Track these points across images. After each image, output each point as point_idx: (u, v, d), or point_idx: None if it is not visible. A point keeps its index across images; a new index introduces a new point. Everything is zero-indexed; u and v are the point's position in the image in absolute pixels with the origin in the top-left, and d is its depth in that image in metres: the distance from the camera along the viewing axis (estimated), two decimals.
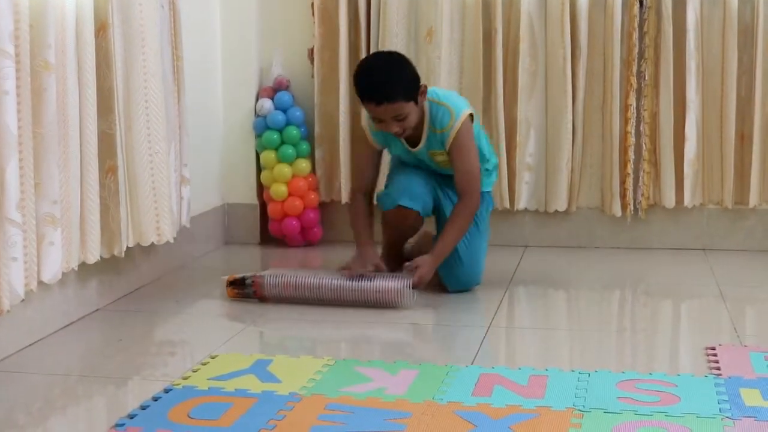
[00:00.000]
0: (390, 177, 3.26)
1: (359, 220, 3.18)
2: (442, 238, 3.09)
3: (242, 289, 3.10)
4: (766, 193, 3.83)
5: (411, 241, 3.37)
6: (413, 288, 2.98)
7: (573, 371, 2.39)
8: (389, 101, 2.95)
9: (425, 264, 3.04)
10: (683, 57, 3.77)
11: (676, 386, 2.28)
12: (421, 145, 3.11)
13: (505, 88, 3.86)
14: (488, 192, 3.24)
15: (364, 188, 3.22)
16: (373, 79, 2.99)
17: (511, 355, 2.73)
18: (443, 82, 3.83)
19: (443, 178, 3.19)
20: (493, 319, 2.93)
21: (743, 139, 3.82)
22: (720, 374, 2.37)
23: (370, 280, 3.00)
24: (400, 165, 3.23)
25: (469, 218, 3.11)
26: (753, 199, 3.81)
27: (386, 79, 2.97)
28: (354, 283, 3.00)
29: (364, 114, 3.13)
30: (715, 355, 2.52)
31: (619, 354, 2.70)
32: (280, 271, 3.12)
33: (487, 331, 2.80)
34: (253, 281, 3.09)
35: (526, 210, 3.95)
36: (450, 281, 3.18)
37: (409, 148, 3.13)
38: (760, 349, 2.57)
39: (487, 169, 3.21)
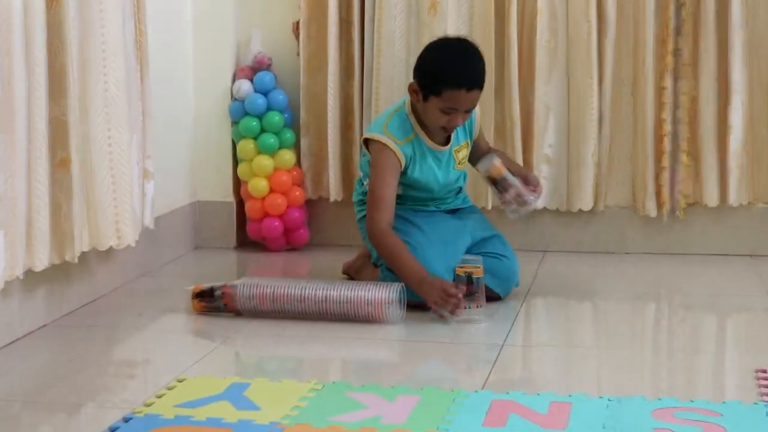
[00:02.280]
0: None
1: (409, 257, 3.08)
2: (512, 162, 3.46)
3: (211, 302, 3.09)
4: None
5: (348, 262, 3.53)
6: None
7: (601, 397, 2.39)
8: (480, 87, 3.13)
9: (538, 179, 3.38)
10: (726, 32, 3.76)
11: (722, 415, 2.27)
12: (452, 140, 3.23)
13: (520, 68, 3.86)
14: None
15: (391, 220, 3.14)
16: (471, 65, 3.12)
17: (528, 378, 2.73)
18: None
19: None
20: (507, 336, 2.92)
21: None
22: None
23: (362, 290, 3.01)
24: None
25: None
26: None
27: (480, 65, 3.15)
28: (343, 293, 3.00)
29: (382, 130, 3.13)
30: (766, 378, 2.51)
31: (654, 377, 2.70)
32: (256, 280, 3.11)
33: (500, 350, 2.80)
34: (223, 293, 3.08)
35: (545, 209, 3.95)
36: (500, 285, 3.21)
37: (439, 148, 3.18)
38: None
39: None
